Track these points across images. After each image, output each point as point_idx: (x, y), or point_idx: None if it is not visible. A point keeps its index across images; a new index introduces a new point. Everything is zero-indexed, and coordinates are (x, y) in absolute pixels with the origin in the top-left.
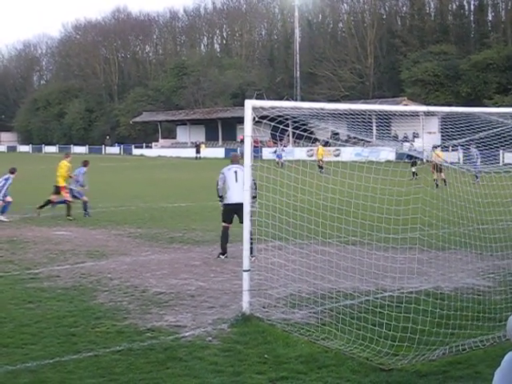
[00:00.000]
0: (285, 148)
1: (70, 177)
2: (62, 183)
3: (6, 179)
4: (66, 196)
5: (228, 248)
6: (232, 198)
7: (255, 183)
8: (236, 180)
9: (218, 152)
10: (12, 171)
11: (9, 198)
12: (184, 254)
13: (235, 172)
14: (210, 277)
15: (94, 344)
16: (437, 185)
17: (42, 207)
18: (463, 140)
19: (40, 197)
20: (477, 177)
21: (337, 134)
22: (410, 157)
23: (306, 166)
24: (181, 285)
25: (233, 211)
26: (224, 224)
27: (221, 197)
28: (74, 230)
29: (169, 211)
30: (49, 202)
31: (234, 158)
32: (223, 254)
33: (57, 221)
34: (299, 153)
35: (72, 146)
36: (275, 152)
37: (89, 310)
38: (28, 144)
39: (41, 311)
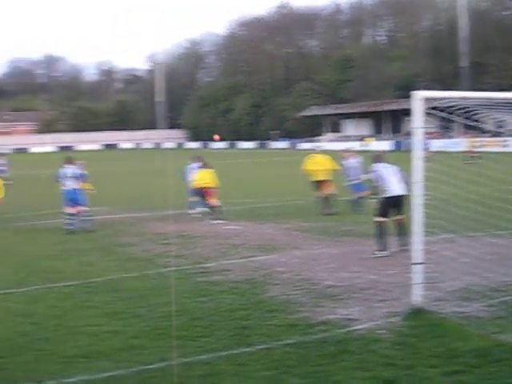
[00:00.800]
0: (432, 140)
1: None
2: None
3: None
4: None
5: (397, 241)
6: (394, 190)
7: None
8: (392, 174)
9: (385, 145)
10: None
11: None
12: (354, 248)
13: (387, 168)
14: (381, 270)
15: (266, 337)
16: None
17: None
18: None
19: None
20: None
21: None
22: None
23: (470, 158)
24: (352, 278)
25: (394, 204)
26: (380, 219)
27: (375, 194)
28: (244, 224)
29: (337, 204)
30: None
31: (378, 158)
32: (383, 251)
33: (226, 216)
34: (464, 143)
35: (240, 141)
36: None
37: (261, 303)
38: (196, 140)
39: (213, 304)
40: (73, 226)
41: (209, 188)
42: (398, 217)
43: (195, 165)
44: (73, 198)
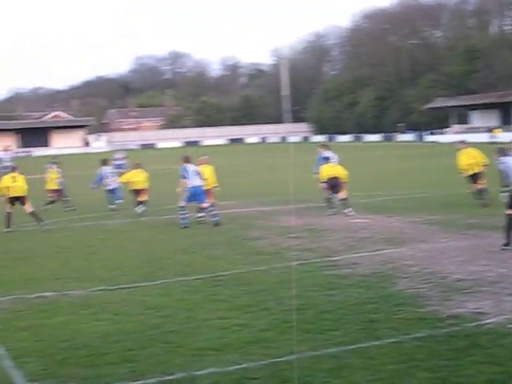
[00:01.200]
0: None
1: None
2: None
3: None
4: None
5: None
6: None
7: None
8: None
9: None
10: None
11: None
12: (483, 240)
13: None
14: (511, 263)
15: (395, 330)
16: None
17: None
18: None
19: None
20: None
21: None
22: None
23: None
24: (481, 271)
25: None
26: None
27: (505, 186)
28: (371, 218)
29: (463, 197)
30: None
31: (502, 151)
32: (510, 244)
33: (353, 209)
34: None
35: (365, 134)
36: None
37: (389, 296)
38: (321, 134)
39: (341, 298)
40: (187, 221)
41: (340, 179)
42: None
43: (326, 153)
44: (197, 195)
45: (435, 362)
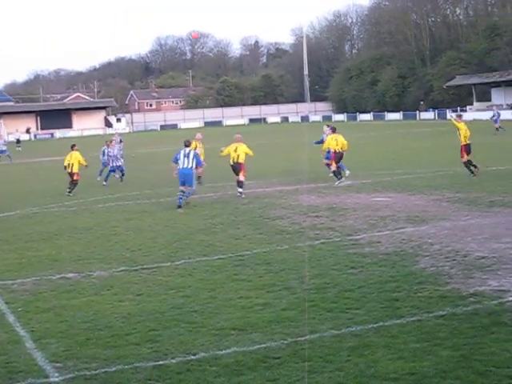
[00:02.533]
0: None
1: None
2: None
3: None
4: None
5: None
6: None
7: None
8: None
9: None
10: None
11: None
12: (505, 218)
13: None
14: None
15: (416, 309)
16: None
17: None
18: None
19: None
20: None
21: None
22: None
23: None
24: (503, 249)
25: None
26: None
27: None
28: (393, 196)
29: (487, 175)
30: None
31: None
32: None
33: (375, 187)
34: None
35: (386, 112)
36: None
37: (411, 275)
38: (342, 113)
39: (363, 276)
40: (180, 201)
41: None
42: None
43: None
44: (184, 176)
45: (457, 340)
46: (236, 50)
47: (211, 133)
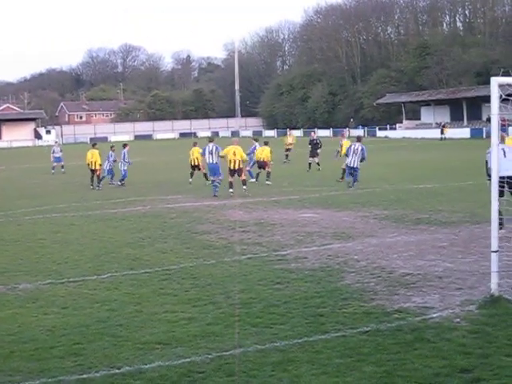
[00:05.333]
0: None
1: None
2: None
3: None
4: None
5: (475, 229)
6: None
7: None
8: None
9: (463, 132)
10: None
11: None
12: (431, 236)
13: (503, 149)
14: (458, 258)
15: (341, 324)
16: None
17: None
18: None
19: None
20: None
21: None
22: None
23: None
24: (428, 266)
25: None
26: None
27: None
28: (320, 212)
29: (414, 192)
30: None
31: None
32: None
33: (303, 203)
34: None
35: (316, 129)
36: None
37: (336, 290)
38: (273, 128)
39: (289, 292)
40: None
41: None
42: None
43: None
44: (212, 170)
45: (381, 356)
46: (168, 63)
47: (141, 146)
